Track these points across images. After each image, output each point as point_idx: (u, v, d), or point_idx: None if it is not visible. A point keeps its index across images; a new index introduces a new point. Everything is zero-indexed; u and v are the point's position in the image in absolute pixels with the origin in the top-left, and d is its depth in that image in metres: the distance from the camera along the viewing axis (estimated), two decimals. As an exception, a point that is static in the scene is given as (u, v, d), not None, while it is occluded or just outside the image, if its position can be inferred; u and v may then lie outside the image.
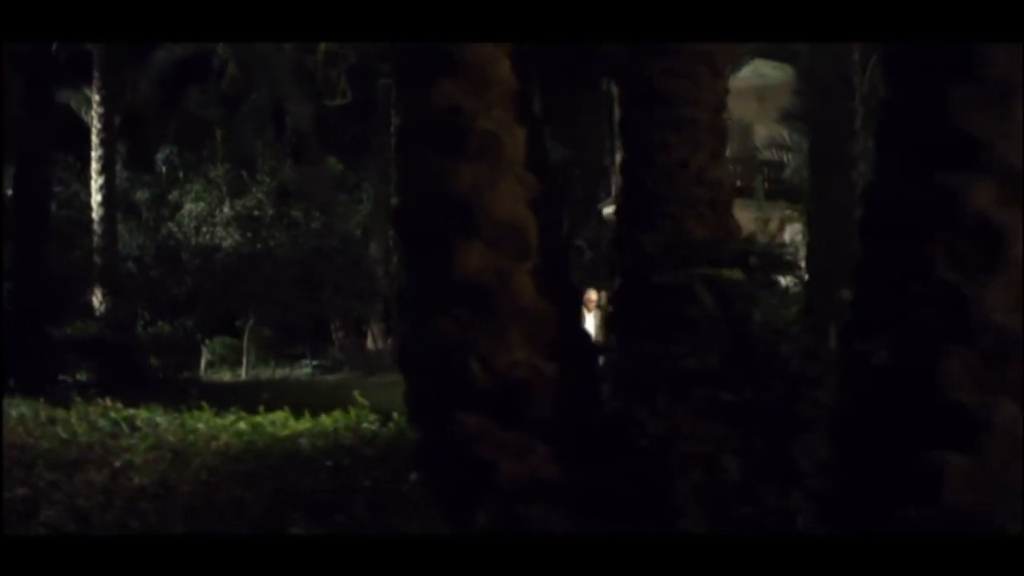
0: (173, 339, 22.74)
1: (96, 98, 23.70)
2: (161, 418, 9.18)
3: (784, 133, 24.08)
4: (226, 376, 23.77)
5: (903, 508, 4.57)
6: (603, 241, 28.21)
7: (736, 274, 5.12)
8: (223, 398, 10.82)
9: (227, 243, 23.13)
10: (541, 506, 5.16)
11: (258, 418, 9.03)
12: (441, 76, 5.53)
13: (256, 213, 23.34)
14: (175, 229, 23.62)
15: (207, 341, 24.16)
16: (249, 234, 23.24)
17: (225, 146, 24.89)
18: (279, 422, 8.86)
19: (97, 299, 23.03)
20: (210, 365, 24.02)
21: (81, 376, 19.03)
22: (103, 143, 23.68)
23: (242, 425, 8.66)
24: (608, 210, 28.22)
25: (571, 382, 5.46)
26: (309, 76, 25.99)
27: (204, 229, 23.37)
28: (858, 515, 4.69)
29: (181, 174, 24.56)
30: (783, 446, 4.97)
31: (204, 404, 9.53)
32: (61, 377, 18.20)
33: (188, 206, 23.74)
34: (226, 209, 23.29)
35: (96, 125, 23.69)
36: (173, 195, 24.31)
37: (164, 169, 24.93)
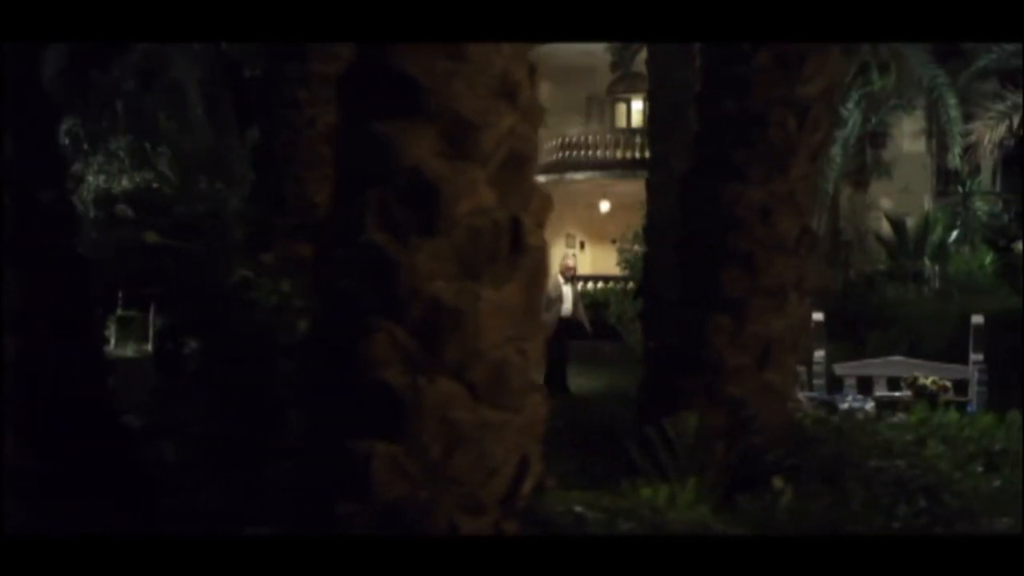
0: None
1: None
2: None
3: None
4: (129, 352, 23.30)
5: (333, 503, 4.03)
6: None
7: (152, 237, 4.57)
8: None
9: (127, 216, 22.60)
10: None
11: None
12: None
13: (155, 185, 22.80)
14: (77, 203, 23.12)
15: (111, 316, 23.65)
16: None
17: (127, 117, 24.31)
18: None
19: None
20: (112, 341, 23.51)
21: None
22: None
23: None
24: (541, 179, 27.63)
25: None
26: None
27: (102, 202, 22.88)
28: (290, 509, 4.14)
29: (86, 146, 24.02)
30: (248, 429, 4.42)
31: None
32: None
33: (89, 179, 23.22)
34: (125, 182, 22.77)
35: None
36: (76, 168, 23.75)
37: (67, 141, 24.36)
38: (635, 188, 23.82)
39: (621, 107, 28.48)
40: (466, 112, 4.03)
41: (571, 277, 15.64)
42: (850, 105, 21.75)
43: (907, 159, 26.09)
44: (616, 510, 4.04)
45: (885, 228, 24.58)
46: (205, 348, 4.55)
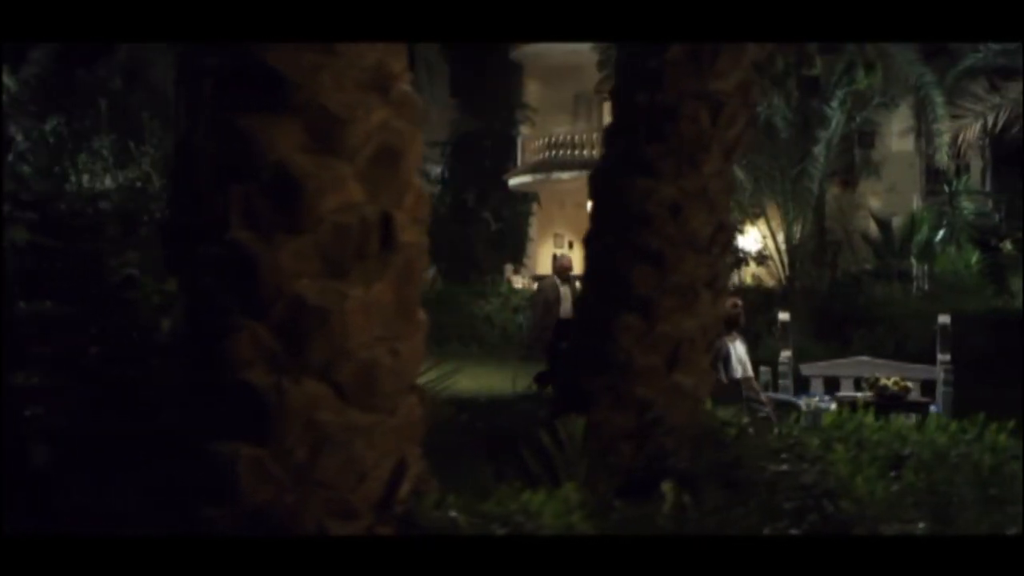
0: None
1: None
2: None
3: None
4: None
5: (200, 507, 3.92)
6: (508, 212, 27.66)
7: (20, 233, 4.45)
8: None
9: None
10: None
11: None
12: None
13: (139, 184, 22.72)
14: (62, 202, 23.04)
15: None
16: (131, 206, 22.63)
17: (110, 116, 24.24)
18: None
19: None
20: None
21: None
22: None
23: None
24: (515, 181, 27.56)
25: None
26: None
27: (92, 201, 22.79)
28: (159, 512, 4.03)
29: (70, 145, 23.96)
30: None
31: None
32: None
33: (73, 178, 23.16)
34: (108, 181, 22.70)
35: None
36: (58, 168, 23.70)
37: (52, 140, 24.31)
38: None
39: (608, 106, 28.32)
40: (333, 106, 3.91)
41: (567, 277, 15.09)
42: (834, 104, 21.59)
43: (896, 158, 25.93)
44: (491, 515, 3.92)
45: (873, 228, 24.44)
46: (81, 347, 4.44)
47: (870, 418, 5.26)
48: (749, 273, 24.60)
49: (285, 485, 3.87)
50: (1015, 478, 4.71)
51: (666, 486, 4.23)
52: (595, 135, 26.86)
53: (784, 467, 4.62)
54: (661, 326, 5.21)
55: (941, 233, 22.51)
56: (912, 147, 25.69)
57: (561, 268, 14.49)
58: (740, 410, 5.42)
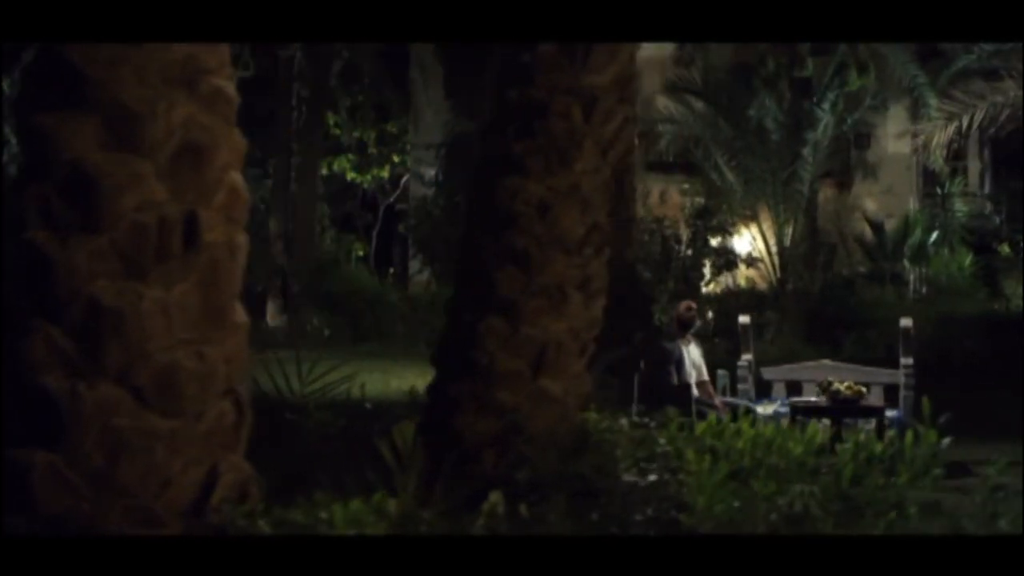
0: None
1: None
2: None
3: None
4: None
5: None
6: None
7: None
8: None
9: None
10: None
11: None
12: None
13: None
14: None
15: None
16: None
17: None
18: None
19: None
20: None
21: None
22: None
23: None
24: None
25: None
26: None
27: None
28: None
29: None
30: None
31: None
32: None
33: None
34: None
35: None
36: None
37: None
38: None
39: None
40: (132, 101, 3.79)
41: None
42: (825, 106, 21.35)
43: (892, 160, 25.60)
44: (296, 523, 3.79)
45: (866, 230, 24.15)
46: None
47: (747, 425, 5.09)
48: (743, 276, 24.37)
49: (83, 492, 3.75)
50: (884, 488, 4.55)
51: (494, 497, 4.08)
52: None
53: (633, 477, 4.47)
54: (526, 329, 5.06)
55: (934, 236, 22.21)
56: (908, 149, 25.36)
57: None
58: (616, 416, 5.25)
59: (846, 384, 10.44)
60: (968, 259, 21.86)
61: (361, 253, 30.23)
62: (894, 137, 24.83)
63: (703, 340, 13.15)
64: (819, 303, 21.80)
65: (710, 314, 11.74)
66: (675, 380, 10.36)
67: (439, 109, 27.75)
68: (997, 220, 25.45)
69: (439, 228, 26.58)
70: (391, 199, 30.93)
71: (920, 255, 22.16)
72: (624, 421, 5.31)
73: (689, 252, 21.65)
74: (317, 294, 24.70)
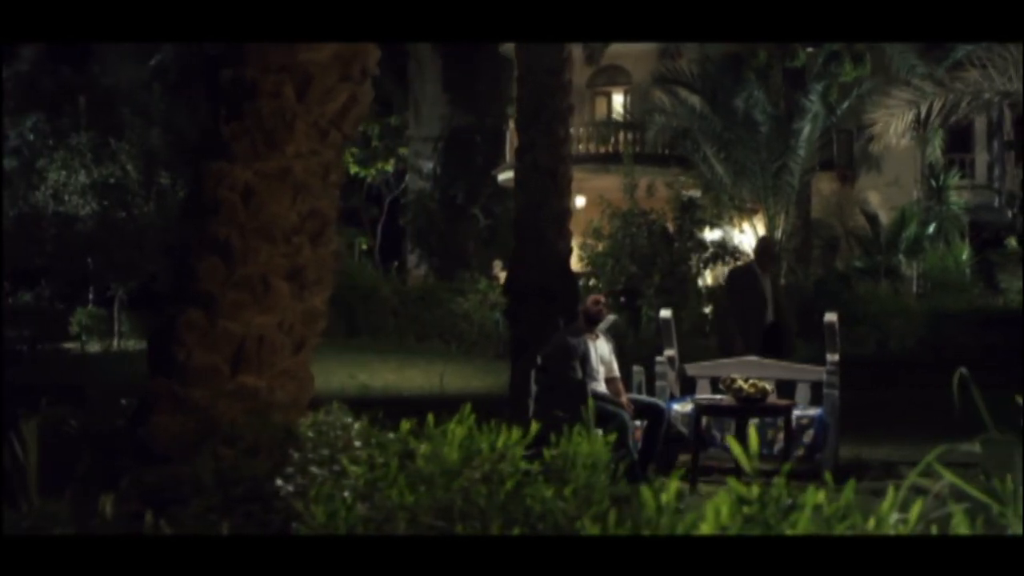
0: (36, 310, 22.45)
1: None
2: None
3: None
4: (95, 347, 23.35)
5: None
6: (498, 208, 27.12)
7: None
8: None
9: (84, 211, 22.64)
10: None
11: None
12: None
13: (112, 181, 22.78)
14: (40, 198, 23.28)
15: (74, 312, 23.75)
16: (106, 202, 22.72)
17: (88, 113, 24.36)
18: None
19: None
20: (77, 336, 23.57)
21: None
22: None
23: None
24: (504, 176, 27.03)
25: None
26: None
27: (67, 198, 22.96)
28: None
29: (51, 142, 24.13)
30: None
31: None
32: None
33: (51, 175, 23.32)
34: (82, 177, 22.80)
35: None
36: (40, 164, 23.88)
37: (32, 137, 24.52)
38: (609, 183, 23.16)
39: (601, 100, 27.72)
40: None
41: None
42: (813, 97, 20.79)
43: (896, 152, 24.94)
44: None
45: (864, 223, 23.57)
46: None
47: (456, 427, 4.71)
48: (741, 270, 23.89)
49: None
50: (539, 499, 4.17)
51: (104, 498, 3.79)
52: (580, 130, 26.29)
53: (281, 482, 4.14)
54: (225, 323, 4.74)
55: (931, 229, 21.56)
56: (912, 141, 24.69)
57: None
58: (343, 415, 4.89)
59: (750, 382, 9.98)
60: (965, 253, 21.20)
61: (365, 247, 30.14)
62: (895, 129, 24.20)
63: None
64: (812, 298, 21.26)
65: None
66: (579, 376, 9.98)
67: (436, 103, 27.57)
68: (1009, 213, 24.68)
69: (435, 222, 26.41)
70: (396, 193, 30.82)
71: (916, 249, 21.54)
72: (353, 422, 4.96)
73: (676, 246, 21.26)
74: (313, 288, 24.51)
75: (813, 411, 10.42)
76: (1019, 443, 2.74)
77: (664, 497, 3.19)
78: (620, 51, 25.81)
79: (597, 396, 9.52)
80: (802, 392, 10.96)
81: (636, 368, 11.08)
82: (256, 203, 4.78)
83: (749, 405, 9.83)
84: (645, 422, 9.70)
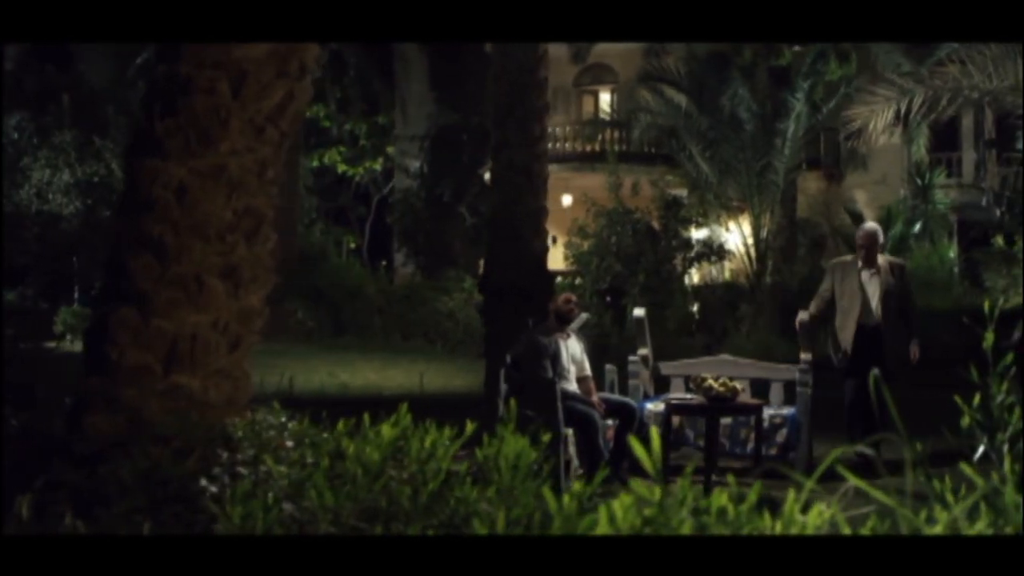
0: (20, 309, 22.37)
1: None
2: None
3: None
4: (79, 346, 23.24)
5: None
6: (485, 207, 27.07)
7: None
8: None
9: (68, 210, 22.56)
10: None
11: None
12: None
13: (96, 179, 22.71)
14: (24, 197, 23.18)
15: (59, 311, 23.66)
16: (90, 201, 22.64)
17: (72, 112, 24.29)
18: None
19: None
20: (62, 336, 23.47)
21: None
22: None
23: None
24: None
25: None
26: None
27: (51, 197, 22.88)
28: None
29: (35, 140, 24.04)
30: None
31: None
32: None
33: (35, 173, 23.24)
34: (66, 176, 22.72)
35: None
36: (24, 162, 23.79)
37: (16, 136, 24.42)
38: (595, 182, 23.09)
39: (588, 99, 27.68)
40: None
41: None
42: (799, 95, 20.73)
43: (884, 151, 24.89)
44: None
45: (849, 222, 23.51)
46: None
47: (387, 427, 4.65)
48: (729, 269, 23.85)
49: None
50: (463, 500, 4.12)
51: (20, 499, 3.73)
52: (567, 128, 26.24)
53: (210, 482, 4.09)
54: (158, 321, 4.68)
55: (916, 227, 21.51)
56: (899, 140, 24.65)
57: None
58: (279, 415, 4.84)
59: (720, 381, 9.91)
60: (952, 251, 21.15)
61: (353, 245, 30.10)
62: (882, 127, 24.14)
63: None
64: (796, 296, 21.22)
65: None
66: (549, 375, 9.91)
67: (423, 101, 27.50)
68: (998, 212, 24.61)
69: (421, 220, 26.35)
70: (384, 192, 30.76)
71: (902, 247, 21.47)
72: (287, 422, 4.90)
73: (661, 244, 21.19)
74: (300, 286, 24.54)
75: (787, 410, 10.37)
76: (911, 444, 2.68)
77: (566, 499, 3.14)
78: (606, 50, 25.76)
79: (567, 395, 9.46)
80: (776, 391, 10.91)
81: (608, 367, 11.02)
82: (190, 201, 4.73)
83: (719, 404, 9.76)
84: (617, 421, 9.64)
